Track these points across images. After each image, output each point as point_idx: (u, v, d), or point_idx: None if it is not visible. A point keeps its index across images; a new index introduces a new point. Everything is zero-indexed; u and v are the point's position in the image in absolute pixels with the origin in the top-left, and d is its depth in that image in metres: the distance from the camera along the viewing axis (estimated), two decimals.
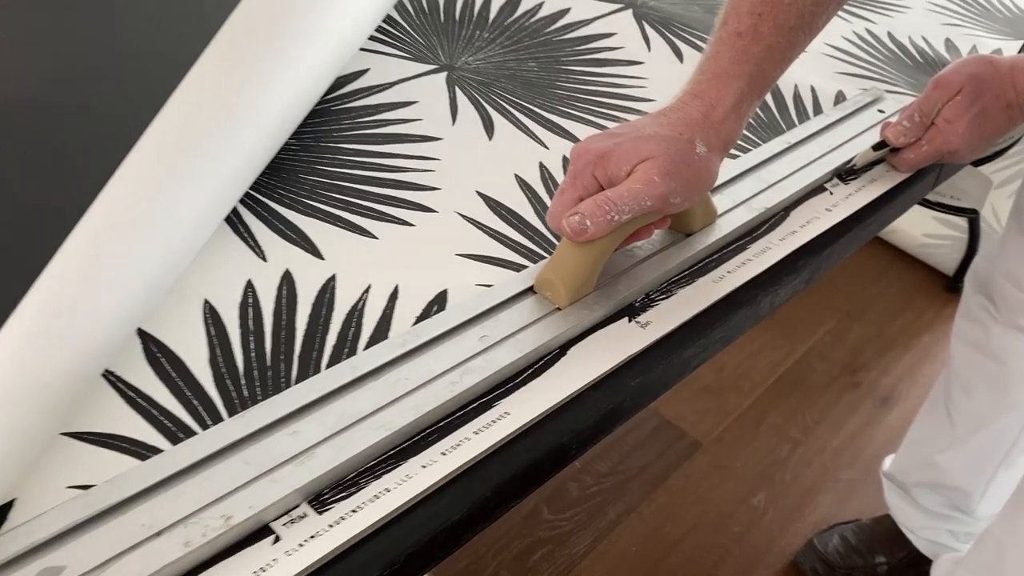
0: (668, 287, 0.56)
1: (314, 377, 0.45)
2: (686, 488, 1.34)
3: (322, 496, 0.40)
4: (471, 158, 0.66)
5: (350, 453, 0.41)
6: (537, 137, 0.69)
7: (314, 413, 0.43)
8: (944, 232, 1.70)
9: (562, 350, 0.50)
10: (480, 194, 0.62)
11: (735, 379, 1.52)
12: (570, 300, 0.52)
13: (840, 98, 0.81)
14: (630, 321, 0.53)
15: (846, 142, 0.73)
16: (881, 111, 0.78)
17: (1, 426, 0.38)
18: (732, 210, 0.63)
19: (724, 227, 0.60)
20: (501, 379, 0.47)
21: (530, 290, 0.53)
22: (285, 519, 0.39)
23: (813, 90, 0.81)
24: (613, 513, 1.28)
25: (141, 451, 0.41)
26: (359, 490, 0.41)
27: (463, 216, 0.60)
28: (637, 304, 0.54)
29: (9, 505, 0.38)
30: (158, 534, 0.37)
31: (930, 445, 1.12)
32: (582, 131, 0.70)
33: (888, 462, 1.22)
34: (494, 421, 0.45)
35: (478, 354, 0.48)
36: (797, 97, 0.80)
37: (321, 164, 0.62)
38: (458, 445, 0.43)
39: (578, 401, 0.48)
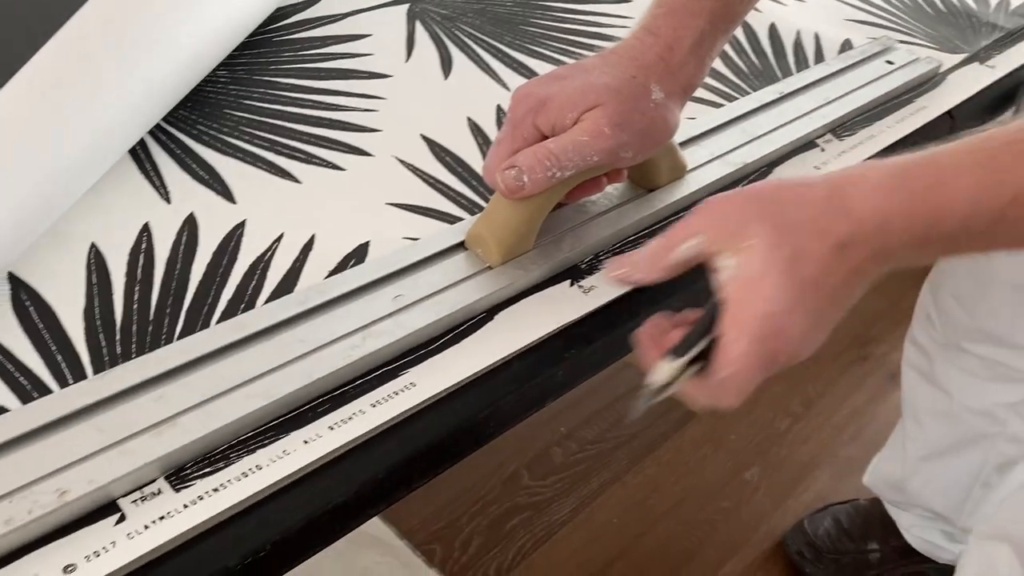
0: (621, 248, 0.50)
1: (194, 335, 0.40)
2: (676, 460, 1.28)
3: (183, 471, 0.35)
4: (421, 98, 0.59)
5: (219, 423, 0.36)
6: (499, 77, 0.62)
7: (187, 376, 0.38)
8: None
9: (488, 314, 0.44)
10: (424, 137, 0.56)
11: None
12: (503, 258, 0.46)
13: (847, 47, 0.73)
14: (572, 285, 0.47)
15: (846, 94, 0.66)
16: (890, 62, 0.71)
17: None
18: (706, 164, 0.56)
19: (693, 183, 0.54)
20: (412, 344, 0.42)
21: (461, 246, 0.47)
22: (136, 495, 0.34)
23: (817, 37, 0.74)
24: (597, 482, 1.23)
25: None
26: (228, 465, 0.36)
27: (401, 161, 0.54)
28: (583, 266, 0.48)
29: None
30: None
31: (896, 470, 1.07)
32: None
33: (868, 470, 1.15)
34: (396, 392, 0.40)
35: (389, 315, 0.42)
36: (798, 44, 0.73)
37: (251, 99, 0.56)
38: (350, 418, 0.38)
39: (501, 371, 0.42)
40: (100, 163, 0.46)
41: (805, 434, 1.36)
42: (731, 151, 0.58)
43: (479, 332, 0.43)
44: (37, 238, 0.43)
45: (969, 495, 1.00)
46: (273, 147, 0.53)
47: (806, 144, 0.61)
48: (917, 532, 1.10)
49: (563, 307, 0.46)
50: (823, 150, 0.61)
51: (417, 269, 0.46)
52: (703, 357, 0.40)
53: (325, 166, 0.52)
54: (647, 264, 0.43)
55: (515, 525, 1.16)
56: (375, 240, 0.48)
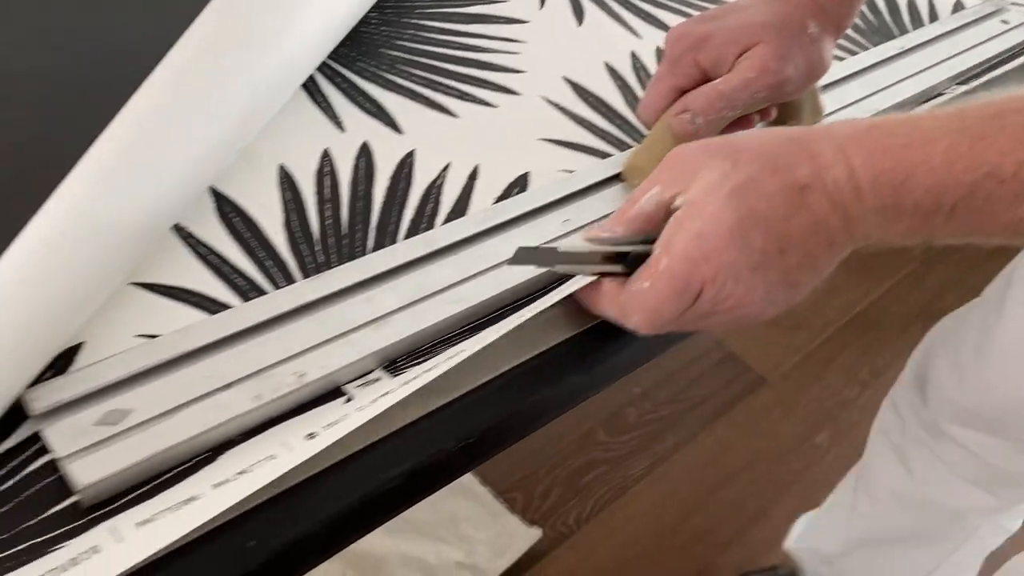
0: None
1: (391, 247, 0.43)
2: (747, 422, 1.31)
3: (396, 362, 0.39)
4: (558, 44, 0.62)
5: (426, 323, 0.39)
6: (629, 26, 0.65)
7: (390, 282, 0.41)
8: None
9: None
10: (567, 80, 0.58)
11: (807, 317, 1.47)
12: None
13: (959, 7, 0.74)
14: None
15: (965, 51, 0.67)
16: (1005, 22, 0.72)
17: (67, 268, 0.36)
18: (838, 111, 0.58)
19: None
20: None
21: (616, 177, 0.50)
22: (359, 382, 0.38)
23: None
24: (670, 440, 1.26)
25: (211, 306, 0.40)
26: (433, 356, 0.39)
27: (548, 101, 0.56)
28: None
29: (77, 348, 0.37)
30: (228, 386, 0.36)
31: (830, 544, 0.97)
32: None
33: (793, 533, 1.05)
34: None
35: (560, 237, 0.45)
36: (912, 3, 0.74)
37: (401, 40, 0.59)
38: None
39: None
40: (281, 92, 0.49)
41: (875, 402, 1.37)
42: (859, 100, 0.60)
43: None
44: (233, 160, 0.47)
45: None
46: (429, 84, 0.56)
47: (933, 96, 0.62)
48: None
49: None
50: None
51: (579, 198, 0.48)
52: (628, 268, 0.37)
53: (478, 103, 0.55)
54: (613, 220, 0.40)
55: (592, 479, 1.19)
56: (534, 171, 0.50)
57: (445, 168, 0.50)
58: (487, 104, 0.55)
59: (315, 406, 0.37)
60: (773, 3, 0.48)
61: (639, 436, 1.26)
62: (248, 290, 0.41)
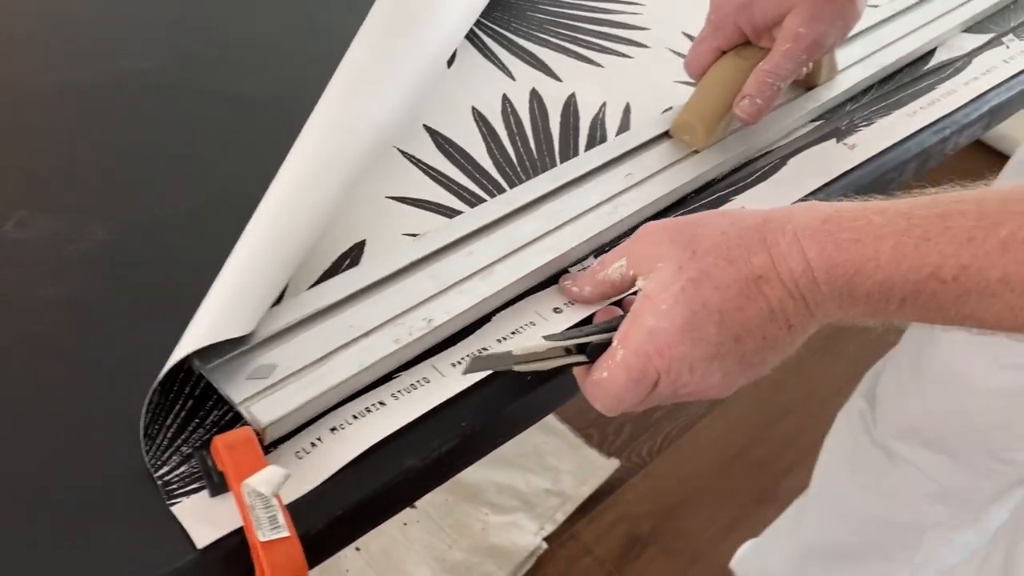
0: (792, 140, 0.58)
1: (483, 206, 0.49)
2: (798, 364, 1.38)
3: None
4: (673, 3, 0.71)
5: (523, 272, 0.45)
6: None
7: (486, 237, 0.47)
8: None
9: (775, 166, 0.57)
10: (684, 33, 0.68)
11: None
12: (708, 142, 0.54)
13: None
14: (838, 142, 0.59)
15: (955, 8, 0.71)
16: None
17: (341, 186, 0.46)
18: (851, 67, 0.63)
19: (845, 82, 0.61)
20: (652, 212, 0.51)
21: (665, 135, 0.55)
22: (578, 266, 0.48)
23: None
24: None
25: (447, 211, 0.50)
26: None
27: (673, 52, 0.66)
28: (843, 127, 0.60)
29: (362, 244, 0.47)
30: (367, 334, 0.41)
31: (778, 558, 0.96)
32: None
33: (739, 553, 1.05)
34: None
35: (625, 191, 0.51)
36: None
37: (542, 4, 0.69)
38: None
39: None
40: (449, 50, 0.59)
41: None
42: (869, 56, 0.64)
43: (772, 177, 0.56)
44: (431, 102, 0.57)
45: None
46: (573, 41, 0.66)
47: (991, 42, 0.71)
48: None
49: (831, 164, 0.57)
50: (1007, 47, 0.71)
51: (636, 154, 0.53)
52: (589, 357, 0.39)
53: (616, 55, 0.65)
54: (584, 280, 0.44)
55: (660, 416, 1.30)
56: (675, 105, 0.60)
57: (602, 106, 0.60)
58: (623, 56, 0.65)
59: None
60: None
61: None
62: (473, 201, 0.51)
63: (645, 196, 0.51)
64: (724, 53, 0.55)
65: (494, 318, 0.45)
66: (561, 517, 1.14)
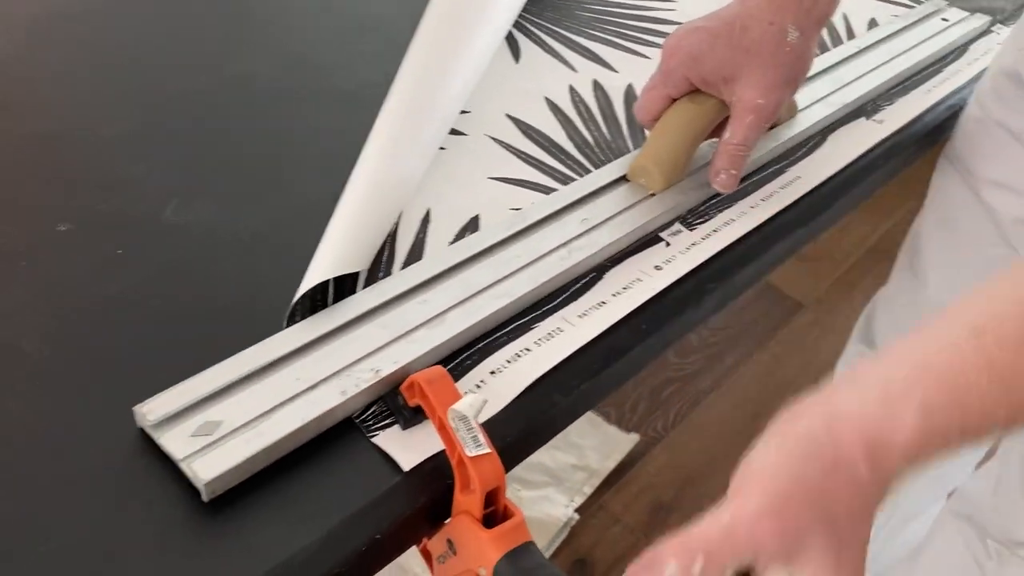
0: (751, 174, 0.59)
1: (433, 257, 0.49)
2: (793, 340, 1.49)
3: (687, 218, 0.55)
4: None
5: (477, 318, 0.45)
6: None
7: (441, 284, 0.47)
8: None
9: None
10: None
11: (827, 250, 1.67)
12: (665, 185, 0.55)
13: (872, 25, 0.79)
14: (867, 119, 0.66)
15: (915, 46, 0.75)
16: (945, 19, 0.80)
17: (424, 146, 0.53)
18: (810, 107, 0.65)
19: (804, 121, 0.63)
20: (606, 256, 0.52)
21: (622, 179, 0.56)
22: (672, 229, 0.54)
23: (845, 17, 0.80)
24: (731, 359, 1.45)
25: (542, 189, 0.56)
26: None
27: None
28: (869, 106, 0.68)
29: (476, 218, 0.53)
30: (314, 386, 0.41)
31: None
32: None
33: None
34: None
35: (581, 235, 0.51)
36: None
37: (583, 4, 0.76)
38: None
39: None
40: (499, 40, 0.66)
41: None
42: (827, 95, 0.66)
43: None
44: (507, 94, 0.63)
45: (871, 544, 0.94)
46: (620, 35, 0.72)
47: (902, 83, 0.72)
48: None
49: (865, 138, 0.65)
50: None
51: (592, 199, 0.54)
52: None
53: (658, 47, 0.72)
54: None
55: (670, 393, 1.37)
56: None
57: None
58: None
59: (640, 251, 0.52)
60: (756, 15, 0.52)
61: (703, 357, 1.44)
62: (563, 179, 0.57)
63: (601, 239, 0.51)
64: (675, 101, 0.56)
65: (606, 275, 0.51)
66: (589, 490, 1.21)
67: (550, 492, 1.19)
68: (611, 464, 1.24)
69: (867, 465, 0.33)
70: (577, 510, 1.18)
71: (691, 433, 1.32)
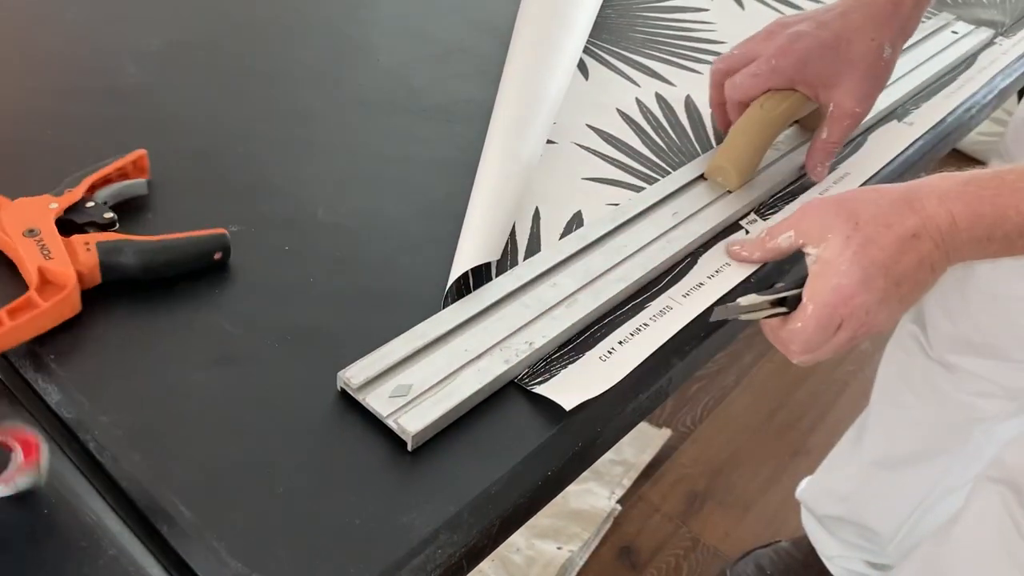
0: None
1: (551, 247, 0.56)
2: None
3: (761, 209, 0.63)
4: (737, 20, 0.87)
5: (604, 299, 0.53)
6: (794, 4, 0.90)
7: (565, 270, 0.54)
8: (995, 129, 1.86)
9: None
10: None
11: None
12: (740, 183, 0.62)
13: None
14: (899, 122, 0.75)
15: (929, 59, 0.82)
16: (955, 32, 0.87)
17: (535, 148, 0.61)
18: None
19: None
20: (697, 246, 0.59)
21: (700, 178, 0.64)
22: (750, 217, 0.62)
23: None
24: (749, 358, 1.52)
25: (629, 187, 0.64)
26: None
27: None
28: (898, 110, 0.76)
29: (579, 213, 0.60)
30: (479, 356, 0.47)
31: (843, 479, 1.06)
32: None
33: (803, 485, 1.15)
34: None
35: (673, 228, 0.59)
36: None
37: (636, 26, 0.84)
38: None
39: None
40: (574, 62, 0.74)
41: None
42: None
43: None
44: (584, 107, 0.70)
45: (909, 518, 0.99)
46: (672, 54, 0.80)
47: (924, 90, 0.80)
48: (842, 563, 1.09)
49: (899, 139, 0.73)
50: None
51: (678, 195, 0.62)
52: (788, 307, 0.50)
53: (707, 63, 0.80)
54: (753, 247, 0.55)
55: (697, 389, 1.45)
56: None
57: None
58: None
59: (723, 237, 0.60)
60: (860, 29, 0.58)
61: (725, 355, 1.52)
62: (644, 177, 0.65)
63: (692, 231, 0.59)
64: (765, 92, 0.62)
65: (700, 259, 0.58)
66: (628, 482, 1.27)
67: (592, 486, 1.26)
68: (647, 458, 1.31)
69: (904, 190, 0.47)
70: (618, 501, 1.25)
71: (718, 427, 1.40)
